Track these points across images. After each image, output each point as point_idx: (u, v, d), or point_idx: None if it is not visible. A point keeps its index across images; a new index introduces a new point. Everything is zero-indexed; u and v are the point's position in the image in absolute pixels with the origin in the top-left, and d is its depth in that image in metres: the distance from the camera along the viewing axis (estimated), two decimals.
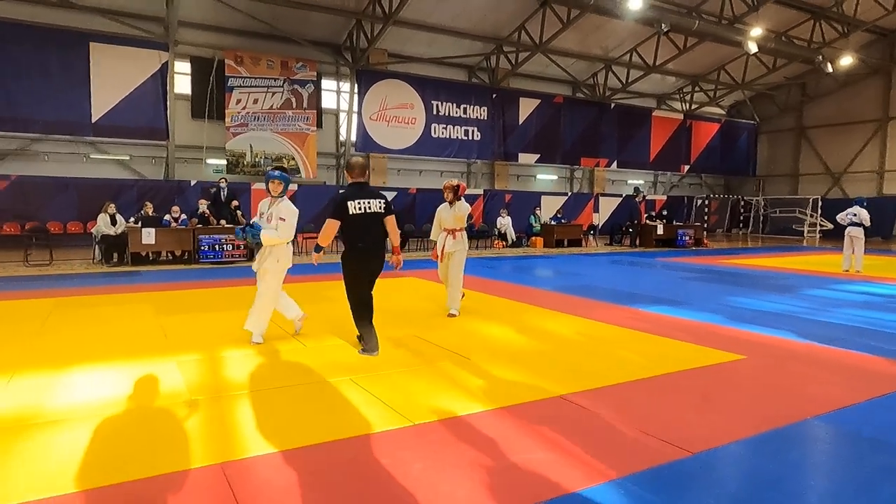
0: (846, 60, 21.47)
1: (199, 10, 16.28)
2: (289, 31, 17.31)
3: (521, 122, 22.24)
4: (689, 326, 6.23)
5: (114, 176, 16.21)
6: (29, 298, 7.50)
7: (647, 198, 21.25)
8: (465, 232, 6.77)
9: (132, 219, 12.08)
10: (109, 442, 3.10)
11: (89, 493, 2.55)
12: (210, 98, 17.17)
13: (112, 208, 11.68)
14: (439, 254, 6.66)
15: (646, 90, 25.34)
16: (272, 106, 17.84)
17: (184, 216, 12.30)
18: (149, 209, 12.07)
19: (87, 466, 2.79)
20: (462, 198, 6.80)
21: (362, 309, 4.98)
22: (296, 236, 5.93)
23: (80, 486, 2.61)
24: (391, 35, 18.19)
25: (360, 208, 4.80)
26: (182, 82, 17.21)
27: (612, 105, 24.40)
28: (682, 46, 21.01)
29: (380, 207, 4.91)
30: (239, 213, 13.45)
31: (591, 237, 19.56)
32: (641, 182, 27.22)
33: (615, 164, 24.98)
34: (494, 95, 21.58)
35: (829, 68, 21.23)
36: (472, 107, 21.23)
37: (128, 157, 16.84)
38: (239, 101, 17.41)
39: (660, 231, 18.39)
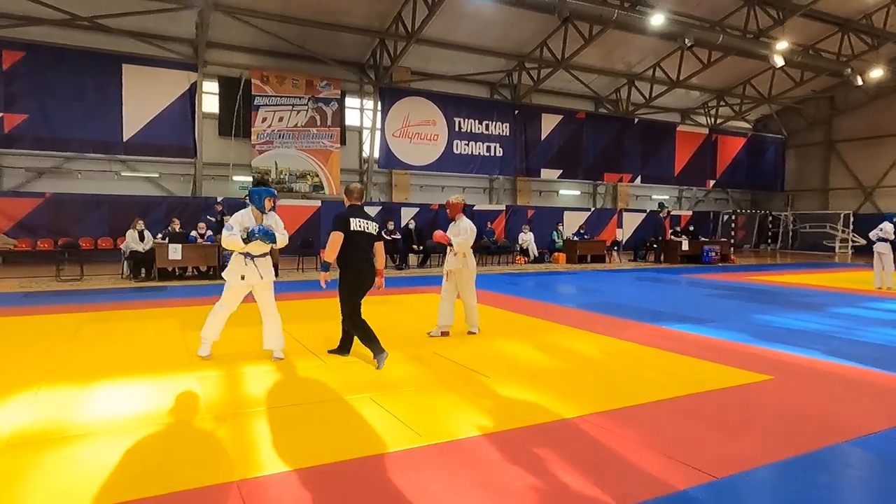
0: (876, 73, 21.02)
1: (228, 32, 16.71)
2: (314, 51, 17.66)
3: (543, 138, 22.23)
4: (714, 345, 6.10)
5: (143, 193, 16.63)
6: (60, 313, 7.68)
7: (671, 213, 20.99)
8: (457, 249, 6.34)
9: (160, 235, 12.34)
10: (129, 458, 3.14)
11: None
12: (237, 116, 17.55)
13: (140, 224, 11.95)
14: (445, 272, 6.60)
15: (669, 105, 25.15)
16: (297, 124, 18.15)
17: (209, 232, 12.52)
18: (176, 225, 12.32)
19: (105, 482, 2.83)
20: (464, 215, 6.61)
21: (359, 317, 5.22)
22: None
23: (97, 502, 2.64)
24: (414, 53, 18.41)
25: (359, 225, 5.21)
26: (210, 101, 17.63)
27: (636, 120, 24.26)
28: (706, 61, 20.83)
29: (375, 230, 5.36)
30: None
31: (614, 253, 19.35)
32: (666, 197, 26.91)
33: (639, 179, 24.76)
34: (516, 112, 21.64)
35: (859, 81, 20.81)
36: (494, 123, 21.31)
37: (157, 175, 17.26)
38: (265, 120, 17.76)
39: (685, 247, 18.10)
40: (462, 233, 6.36)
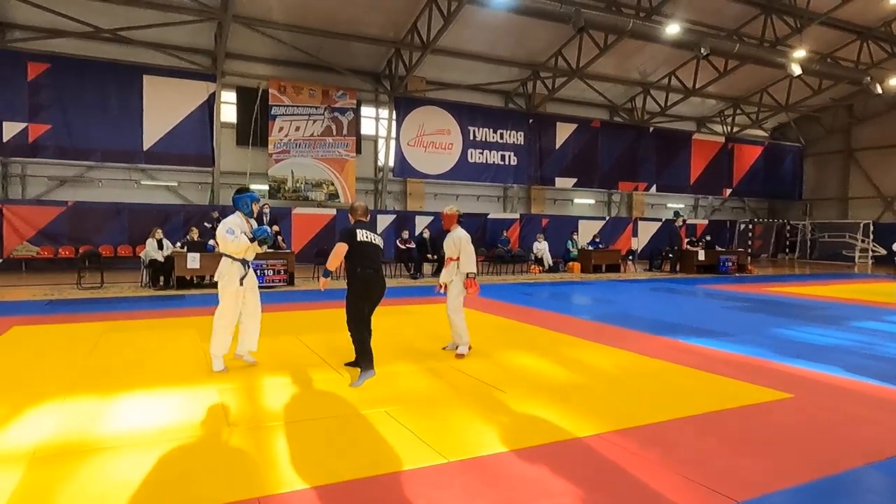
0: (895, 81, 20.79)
1: (246, 43, 16.96)
2: (330, 61, 17.85)
3: (557, 147, 22.24)
4: (732, 360, 6.05)
5: (162, 201, 16.90)
6: (82, 322, 7.82)
7: (687, 222, 20.84)
8: (463, 270, 6.04)
9: (178, 244, 12.51)
10: (152, 471, 3.19)
11: None
12: (254, 126, 17.78)
13: (159, 234, 12.13)
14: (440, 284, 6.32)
15: (685, 113, 25.03)
16: (313, 133, 18.34)
17: (212, 242, 12.60)
18: (194, 234, 12.47)
19: (131, 497, 2.88)
20: (458, 225, 6.21)
21: (364, 328, 5.24)
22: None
23: None
24: (429, 63, 18.54)
25: (366, 236, 5.25)
26: (228, 111, 17.89)
27: (651, 129, 24.17)
28: (722, 69, 20.73)
29: (380, 241, 5.40)
30: (279, 237, 13.76)
31: (629, 262, 19.24)
32: (682, 206, 26.74)
33: (654, 188, 24.65)
34: (531, 120, 21.68)
35: (878, 89, 20.55)
36: (508, 132, 21.36)
37: (176, 184, 17.52)
38: (281, 129, 17.96)
39: (701, 257, 17.95)
40: (462, 248, 5.97)
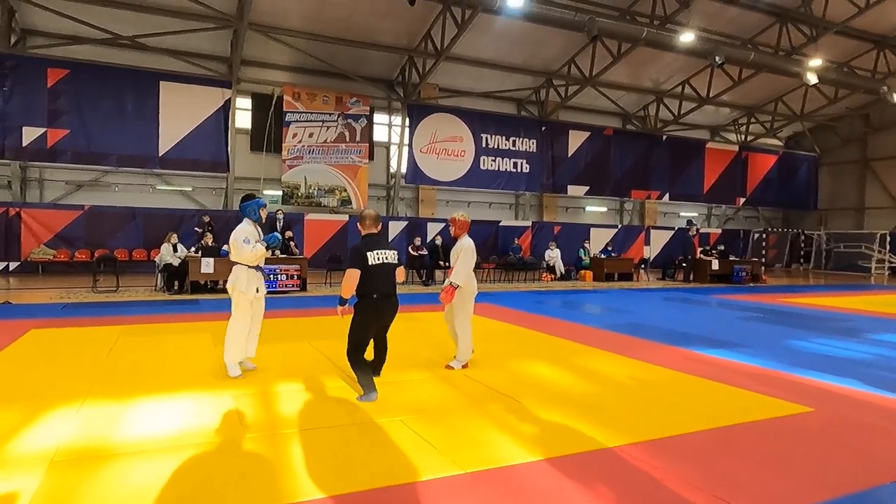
0: None
1: (261, 50, 17.13)
2: (344, 68, 17.97)
3: (570, 155, 22.21)
4: (748, 372, 5.98)
5: (177, 206, 17.05)
6: (98, 325, 7.88)
7: (700, 231, 20.70)
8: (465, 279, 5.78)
9: (192, 248, 12.60)
10: (167, 479, 3.19)
11: None
12: (268, 132, 17.93)
13: (174, 238, 12.23)
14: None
15: (699, 122, 24.92)
16: (326, 139, 18.45)
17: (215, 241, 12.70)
18: (208, 239, 12.56)
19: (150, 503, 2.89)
20: (467, 234, 5.97)
21: (360, 354, 4.93)
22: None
23: None
24: (442, 70, 18.61)
25: (378, 259, 4.88)
26: (243, 117, 18.05)
27: (664, 137, 24.07)
28: (736, 78, 20.62)
29: (394, 259, 5.05)
30: (292, 243, 13.82)
31: (642, 271, 19.12)
32: (695, 215, 26.58)
33: (667, 196, 24.52)
34: (543, 128, 21.68)
35: (895, 99, 20.35)
36: (521, 139, 21.37)
37: (190, 189, 17.68)
38: (295, 135, 18.08)
39: (715, 266, 17.80)
40: (462, 257, 5.71)
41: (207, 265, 11.65)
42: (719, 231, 24.93)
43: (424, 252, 15.60)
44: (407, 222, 18.83)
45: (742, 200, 26.61)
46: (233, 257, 5.45)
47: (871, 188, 26.37)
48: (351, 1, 15.61)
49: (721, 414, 4.50)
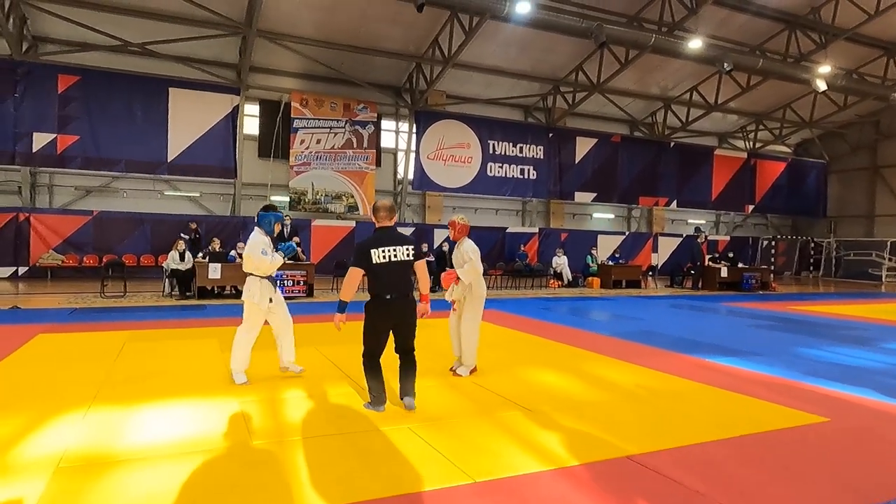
0: None
1: (270, 57, 17.22)
2: (352, 75, 18.03)
3: (577, 161, 22.16)
4: (761, 380, 5.89)
5: (185, 212, 17.10)
6: (105, 331, 7.88)
7: (708, 238, 20.56)
8: (474, 278, 5.69)
9: (200, 254, 12.62)
10: (173, 486, 3.15)
11: None
12: (276, 138, 17.99)
13: (182, 245, 12.27)
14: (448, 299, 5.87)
15: (707, 128, 24.82)
16: (334, 146, 18.49)
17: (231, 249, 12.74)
18: (216, 245, 12.58)
19: None
20: (468, 237, 5.85)
21: (374, 361, 4.55)
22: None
23: None
24: (449, 77, 18.64)
25: (384, 256, 4.36)
26: (251, 124, 18.13)
27: (672, 144, 23.99)
28: (745, 84, 20.54)
29: (408, 254, 4.47)
30: (299, 249, 13.80)
31: (650, 278, 19.01)
32: (703, 222, 26.43)
33: (675, 203, 24.40)
34: (551, 135, 21.66)
35: None
36: (528, 146, 21.35)
37: (198, 194, 17.74)
38: (303, 142, 18.14)
39: (724, 273, 17.67)
40: (467, 260, 5.64)
41: (215, 271, 11.65)
42: (728, 238, 24.78)
43: (431, 258, 15.55)
44: (414, 228, 18.80)
45: (751, 207, 26.46)
46: (246, 268, 5.40)
47: (882, 195, 26.14)
48: (359, 8, 15.68)
49: (734, 423, 4.42)
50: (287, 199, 18.12)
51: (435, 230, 18.87)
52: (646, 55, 17.43)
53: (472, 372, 5.81)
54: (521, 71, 19.56)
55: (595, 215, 24.12)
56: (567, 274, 17.38)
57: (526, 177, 21.31)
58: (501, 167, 20.91)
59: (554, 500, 3.07)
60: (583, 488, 3.21)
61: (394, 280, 4.42)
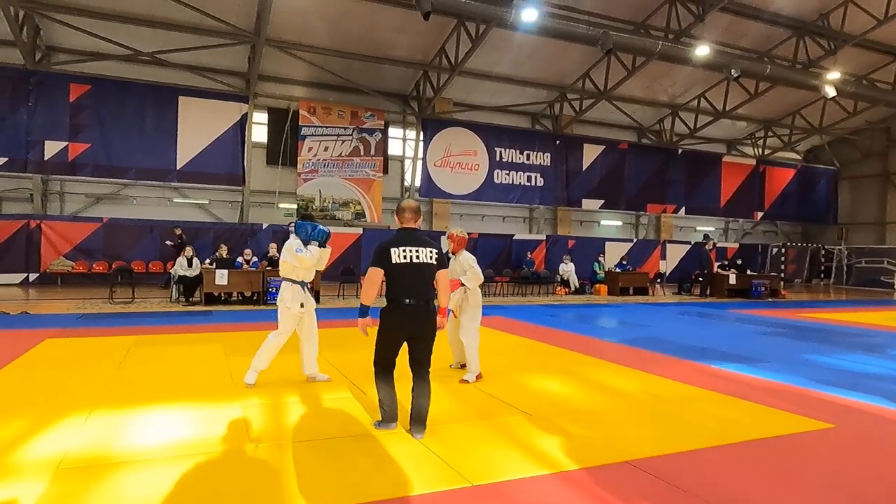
0: None
1: (278, 65, 17.37)
2: (359, 83, 18.14)
3: (584, 168, 22.14)
4: (767, 387, 5.83)
5: (193, 219, 17.23)
6: (111, 336, 7.93)
7: (717, 245, 20.43)
8: (471, 288, 5.77)
9: (207, 260, 12.70)
10: (171, 488, 3.16)
11: None
12: (284, 146, 18.12)
13: (189, 251, 12.35)
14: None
15: (715, 135, 24.72)
16: (341, 153, 18.59)
17: (255, 258, 12.84)
18: (223, 251, 12.65)
19: None
20: (465, 249, 5.93)
21: (386, 371, 4.21)
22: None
23: None
24: (456, 85, 18.71)
25: (405, 257, 4.02)
26: (259, 131, 18.27)
27: (680, 151, 23.90)
28: (753, 91, 20.44)
29: (430, 258, 4.13)
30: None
31: (657, 286, 18.90)
32: (711, 229, 26.27)
33: (683, 210, 24.28)
34: (558, 142, 21.65)
35: None
36: (535, 153, 21.35)
37: (207, 202, 17.88)
38: (311, 149, 18.25)
39: (732, 281, 17.53)
40: (467, 269, 5.72)
41: (222, 277, 11.72)
42: (737, 245, 24.59)
43: None
44: None
45: (760, 214, 26.27)
46: (283, 272, 5.42)
47: (893, 202, 25.87)
48: (367, 17, 15.80)
49: (739, 430, 4.37)
50: (295, 206, 18.20)
51: (442, 238, 18.84)
52: (653, 62, 17.42)
53: (477, 378, 5.80)
54: (528, 78, 19.60)
55: (603, 222, 24.05)
56: (574, 281, 17.32)
57: (533, 184, 21.31)
58: (508, 174, 20.92)
59: (553, 503, 3.05)
60: (583, 492, 3.19)
61: (414, 283, 4.05)
